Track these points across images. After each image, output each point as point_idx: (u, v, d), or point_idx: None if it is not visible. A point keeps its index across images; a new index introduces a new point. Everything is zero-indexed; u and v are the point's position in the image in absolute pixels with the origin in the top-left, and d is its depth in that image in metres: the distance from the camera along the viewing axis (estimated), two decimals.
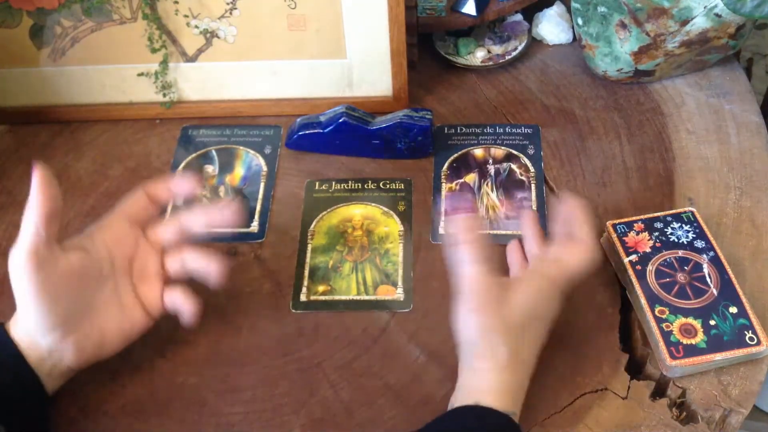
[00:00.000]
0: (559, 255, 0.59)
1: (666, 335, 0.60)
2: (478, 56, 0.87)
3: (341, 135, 0.76)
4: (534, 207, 0.73)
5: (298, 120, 0.79)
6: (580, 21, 0.82)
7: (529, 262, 0.64)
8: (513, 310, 0.55)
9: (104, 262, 0.58)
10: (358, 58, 0.78)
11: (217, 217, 0.61)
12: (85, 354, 0.58)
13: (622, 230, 0.66)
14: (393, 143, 0.76)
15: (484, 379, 0.54)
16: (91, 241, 0.58)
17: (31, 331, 0.56)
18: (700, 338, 0.59)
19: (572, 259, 0.58)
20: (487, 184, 0.75)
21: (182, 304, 0.60)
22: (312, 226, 0.73)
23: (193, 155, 0.79)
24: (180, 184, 0.62)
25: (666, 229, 0.66)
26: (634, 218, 0.67)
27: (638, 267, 0.64)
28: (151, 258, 0.61)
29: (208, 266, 0.60)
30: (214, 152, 0.79)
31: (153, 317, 0.61)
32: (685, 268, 0.63)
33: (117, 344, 0.59)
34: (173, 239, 0.61)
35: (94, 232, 0.59)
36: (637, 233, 0.66)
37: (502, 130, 0.80)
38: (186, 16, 0.76)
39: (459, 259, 0.56)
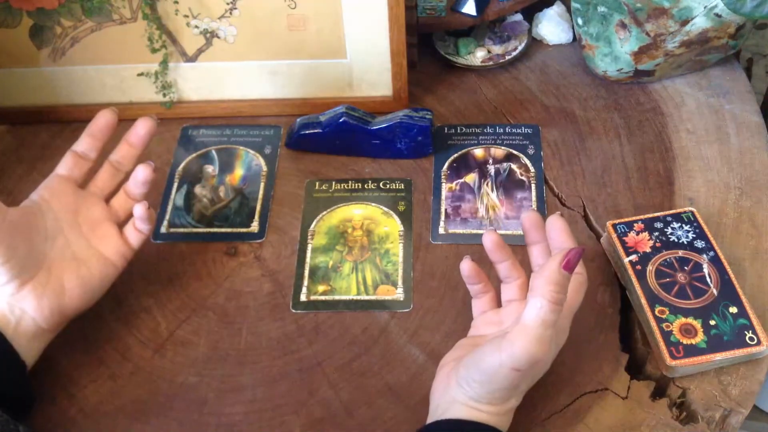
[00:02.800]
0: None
1: (666, 335, 0.60)
2: (478, 56, 0.87)
3: (341, 135, 0.76)
4: (534, 207, 0.73)
5: (298, 120, 0.79)
6: (580, 21, 0.82)
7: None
8: (541, 370, 0.54)
9: (47, 216, 0.60)
10: (358, 58, 0.78)
11: (136, 138, 0.65)
12: (47, 304, 0.58)
13: (622, 230, 0.66)
14: (393, 143, 0.76)
15: (480, 417, 0.52)
16: (30, 201, 0.61)
17: None
18: (700, 338, 0.59)
19: (574, 297, 0.55)
20: (487, 184, 0.75)
21: (141, 213, 0.62)
22: (312, 226, 0.73)
23: (193, 155, 0.79)
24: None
25: (666, 229, 0.66)
26: (634, 218, 0.67)
27: (638, 267, 0.64)
28: (95, 206, 0.63)
29: (138, 172, 0.64)
30: (214, 152, 0.79)
31: (115, 264, 0.62)
32: (685, 268, 0.63)
33: (80, 295, 0.60)
34: (110, 179, 0.65)
35: (31, 195, 0.61)
36: (637, 233, 0.66)
37: (502, 130, 0.80)
38: (186, 16, 0.76)
39: (540, 318, 0.47)
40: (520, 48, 0.87)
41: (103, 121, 0.64)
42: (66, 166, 0.63)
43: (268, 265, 0.70)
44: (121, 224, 0.64)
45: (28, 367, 0.58)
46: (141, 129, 0.65)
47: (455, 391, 0.53)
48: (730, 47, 0.78)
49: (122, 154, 0.65)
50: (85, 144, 0.64)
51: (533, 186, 0.75)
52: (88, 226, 0.62)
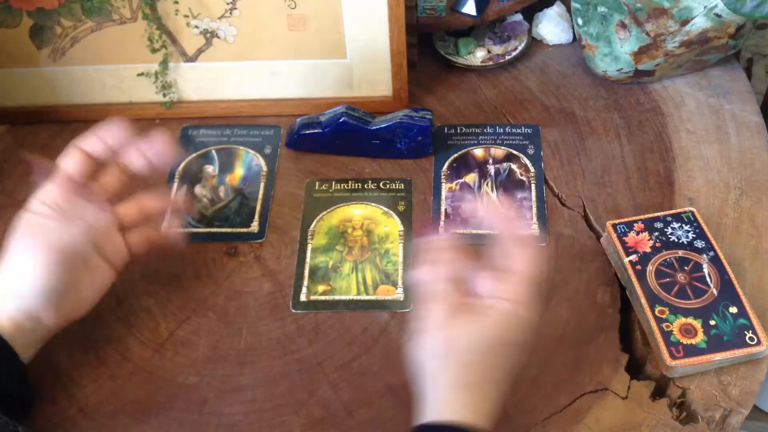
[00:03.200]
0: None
1: (666, 335, 0.60)
2: (478, 56, 0.87)
3: (341, 135, 0.76)
4: (534, 207, 0.73)
5: (298, 120, 0.79)
6: (580, 21, 0.82)
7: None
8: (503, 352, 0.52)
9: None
10: (358, 58, 0.78)
11: (148, 148, 0.62)
12: (63, 315, 0.59)
13: (622, 230, 0.66)
14: (393, 143, 0.76)
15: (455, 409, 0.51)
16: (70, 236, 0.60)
17: (25, 304, 0.56)
18: (700, 338, 0.59)
19: (525, 266, 0.53)
20: (487, 184, 0.75)
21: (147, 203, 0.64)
22: (312, 226, 0.73)
23: (193, 155, 0.79)
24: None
25: (666, 229, 0.66)
26: (634, 218, 0.67)
27: (638, 267, 0.64)
28: (101, 211, 0.62)
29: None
30: (214, 152, 0.79)
31: (117, 269, 0.63)
32: (685, 268, 0.63)
33: (90, 303, 0.61)
34: (116, 182, 0.63)
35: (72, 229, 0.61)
36: (637, 233, 0.66)
37: (502, 130, 0.80)
38: (186, 16, 0.76)
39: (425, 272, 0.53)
40: (520, 48, 0.87)
41: (115, 129, 0.61)
42: (75, 169, 0.61)
43: (268, 265, 0.70)
44: (123, 230, 0.63)
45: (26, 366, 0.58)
46: (158, 144, 0.62)
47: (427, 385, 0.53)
48: (730, 47, 0.78)
49: (130, 159, 0.63)
50: (93, 146, 0.61)
51: (533, 186, 0.75)
52: (95, 235, 0.61)
